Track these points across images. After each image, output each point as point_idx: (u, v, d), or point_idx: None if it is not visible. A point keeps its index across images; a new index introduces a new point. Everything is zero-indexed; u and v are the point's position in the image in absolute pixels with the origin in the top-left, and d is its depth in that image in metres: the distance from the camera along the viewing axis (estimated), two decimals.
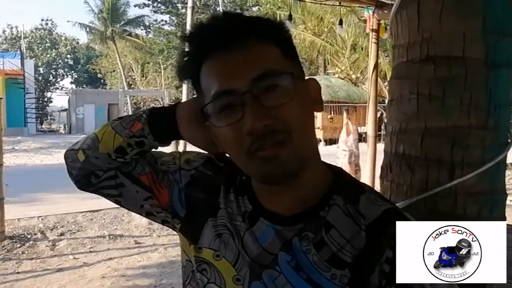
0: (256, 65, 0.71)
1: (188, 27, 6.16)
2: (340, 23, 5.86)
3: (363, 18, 16.75)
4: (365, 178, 6.02)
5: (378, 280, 0.70)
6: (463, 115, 1.30)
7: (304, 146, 0.73)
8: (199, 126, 0.81)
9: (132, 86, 38.11)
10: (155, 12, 40.22)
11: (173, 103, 0.91)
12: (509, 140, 1.37)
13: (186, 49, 0.79)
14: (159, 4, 39.37)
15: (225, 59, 0.73)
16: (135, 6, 41.09)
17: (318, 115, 21.61)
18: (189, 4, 5.62)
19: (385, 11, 4.55)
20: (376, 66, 5.06)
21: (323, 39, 22.72)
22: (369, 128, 5.48)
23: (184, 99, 6.50)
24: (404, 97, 1.37)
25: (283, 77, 0.72)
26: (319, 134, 21.74)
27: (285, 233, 0.76)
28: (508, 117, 1.38)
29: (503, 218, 1.44)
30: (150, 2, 39.01)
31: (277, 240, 0.76)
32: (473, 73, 1.28)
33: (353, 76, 23.47)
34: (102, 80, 45.33)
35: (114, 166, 0.89)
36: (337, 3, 4.72)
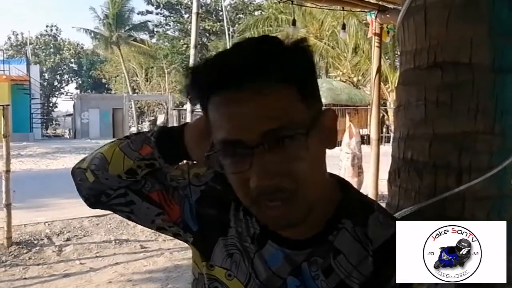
0: (270, 116, 0.65)
1: (192, 32, 6.18)
2: (343, 28, 5.88)
3: (364, 22, 16.77)
4: (368, 180, 6.03)
5: None
6: (470, 120, 1.30)
7: (311, 195, 0.70)
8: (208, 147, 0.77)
9: (136, 90, 38.35)
10: (157, 24, 40.47)
11: (181, 124, 0.88)
12: None
13: (192, 82, 0.73)
14: (163, 10, 39.59)
15: (235, 102, 0.66)
16: (138, 13, 41.34)
17: None
18: (194, 9, 5.65)
19: (388, 15, 4.57)
20: (379, 69, 5.07)
21: (324, 43, 22.77)
22: (372, 131, 5.49)
23: (188, 104, 6.51)
24: (411, 103, 1.38)
25: (298, 131, 0.66)
26: None
27: (294, 258, 0.76)
28: None
29: (510, 223, 1.44)
30: (153, 9, 39.27)
31: (286, 264, 0.76)
32: (480, 78, 1.28)
33: (355, 79, 23.50)
34: (106, 85, 45.56)
35: (124, 185, 0.89)
36: (340, 8, 4.74)
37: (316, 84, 0.74)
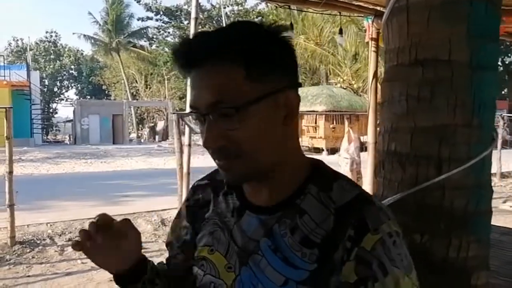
0: (211, 92, 0.77)
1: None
2: (340, 32, 5.96)
3: (364, 28, 16.90)
4: (366, 184, 6.07)
5: (340, 255, 0.76)
6: (449, 114, 1.39)
7: (259, 162, 0.80)
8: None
9: (136, 97, 38.44)
10: (157, 28, 40.67)
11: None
12: (494, 138, 1.47)
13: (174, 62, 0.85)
14: (163, 16, 39.80)
15: (195, 78, 0.80)
16: (138, 19, 41.65)
17: (321, 125, 21.70)
18: (192, 15, 5.70)
19: None
20: (375, 74, 5.14)
21: (324, 49, 22.90)
22: (369, 135, 5.55)
23: (188, 107, 6.57)
24: (394, 98, 1.46)
25: (238, 105, 0.76)
26: (321, 143, 21.82)
27: (267, 222, 0.85)
28: (492, 116, 1.47)
29: (489, 212, 1.52)
30: (153, 15, 39.47)
31: (260, 228, 0.85)
32: (458, 75, 1.37)
33: (355, 86, 23.58)
34: (106, 91, 45.63)
35: None
36: (337, 13, 4.83)
37: (274, 66, 0.80)
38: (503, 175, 12.18)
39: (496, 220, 7.07)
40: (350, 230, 0.77)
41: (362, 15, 4.85)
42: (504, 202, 4.95)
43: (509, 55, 30.51)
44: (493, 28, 1.40)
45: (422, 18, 1.37)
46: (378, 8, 4.26)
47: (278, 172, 0.84)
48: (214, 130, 0.79)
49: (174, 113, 8.86)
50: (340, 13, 4.55)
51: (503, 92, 30.44)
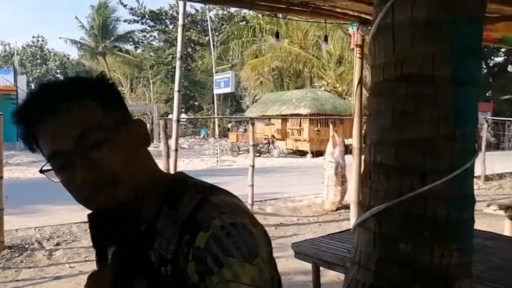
0: (75, 126, 0.83)
1: (179, 44, 6.27)
2: (326, 39, 6.04)
3: (348, 32, 17.06)
4: (351, 189, 6.14)
5: (184, 262, 0.81)
6: (433, 127, 1.45)
7: (133, 184, 0.86)
8: None
9: None
10: (143, 31, 40.64)
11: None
12: (475, 149, 1.53)
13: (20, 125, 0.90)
14: (148, 20, 39.76)
15: (49, 126, 0.84)
16: (124, 21, 41.63)
17: (305, 128, 21.82)
18: (180, 22, 5.75)
19: (369, 28, 4.73)
20: (361, 80, 5.23)
21: (308, 53, 23.05)
22: (354, 140, 5.63)
23: (175, 113, 6.58)
24: (380, 112, 1.52)
25: (100, 132, 0.84)
26: (305, 146, 21.93)
27: (139, 247, 0.90)
28: (474, 129, 1.53)
29: (471, 220, 1.58)
30: (139, 18, 39.40)
31: (132, 254, 0.92)
32: (441, 90, 1.43)
33: (339, 89, 23.75)
34: None
35: None
36: (322, 21, 4.90)
37: (120, 101, 0.93)
38: (487, 178, 12.28)
39: (481, 223, 7.22)
40: (186, 235, 0.82)
41: (347, 22, 4.92)
42: (488, 205, 5.06)
43: (493, 57, 31.07)
44: (475, 44, 1.46)
45: (407, 36, 1.42)
46: (363, 15, 4.35)
47: (145, 196, 0.90)
48: (87, 163, 0.83)
49: (161, 118, 8.86)
50: (325, 20, 4.62)
51: (487, 94, 30.94)
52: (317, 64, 23.61)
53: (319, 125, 21.19)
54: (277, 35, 5.27)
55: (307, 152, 21.68)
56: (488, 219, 6.55)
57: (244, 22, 30.76)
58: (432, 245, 1.50)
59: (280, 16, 5.30)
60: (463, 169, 1.46)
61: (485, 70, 31.62)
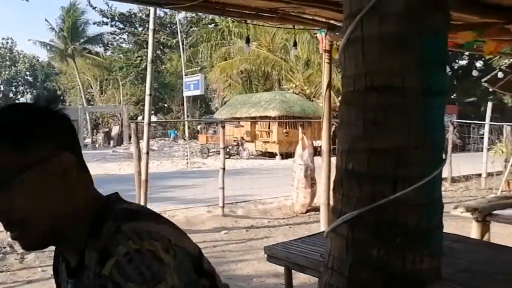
0: None
1: (150, 48, 6.23)
2: (295, 45, 6.11)
3: (315, 35, 17.25)
4: (320, 191, 6.21)
5: None
6: (403, 136, 1.49)
7: (46, 226, 0.86)
8: None
9: (91, 102, 37.96)
10: (112, 34, 40.22)
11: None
12: (443, 157, 1.58)
13: None
14: (118, 23, 39.36)
15: None
16: (94, 23, 41.06)
17: (274, 130, 21.97)
18: (151, 26, 5.71)
19: (337, 33, 4.82)
20: (329, 84, 5.31)
21: (276, 55, 23.21)
22: (323, 143, 5.71)
23: (146, 116, 6.51)
24: (352, 121, 1.55)
25: (4, 181, 0.82)
26: (275, 148, 22.06)
27: (76, 285, 0.92)
28: (442, 137, 1.59)
29: (440, 226, 1.63)
30: (109, 21, 38.99)
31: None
32: (410, 100, 1.47)
33: (307, 91, 24.01)
34: (61, 97, 44.85)
35: None
36: (291, 26, 4.96)
37: (40, 137, 0.87)
38: (454, 180, 12.52)
39: (448, 226, 7.39)
40: (98, 266, 0.82)
41: (316, 28, 4.99)
42: (455, 208, 5.17)
43: (457, 61, 31.96)
44: (441, 56, 1.51)
45: (376, 48, 1.46)
46: (331, 21, 4.43)
47: (72, 230, 0.89)
48: None
49: (132, 121, 8.75)
50: (294, 26, 4.67)
51: (452, 97, 31.79)
52: (285, 66, 23.81)
53: (288, 127, 21.37)
54: (247, 41, 5.29)
55: (276, 154, 21.83)
56: (455, 221, 6.73)
57: (213, 25, 30.70)
58: (404, 251, 1.54)
59: (250, 23, 5.32)
60: (432, 176, 1.50)
61: (450, 73, 32.51)
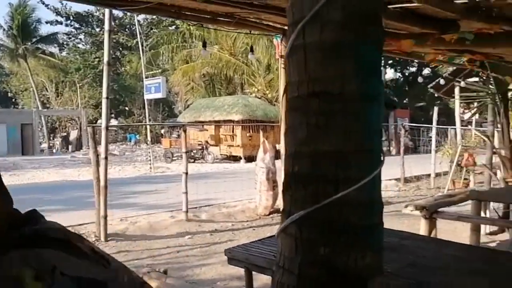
0: None
1: (105, 49, 6.14)
2: (251, 50, 6.19)
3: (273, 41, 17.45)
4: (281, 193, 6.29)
5: None
6: (344, 140, 1.58)
7: None
8: None
9: (47, 105, 36.56)
10: (68, 34, 39.06)
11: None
12: (381, 159, 1.68)
13: None
14: (73, 22, 38.25)
15: None
16: (47, 22, 39.82)
17: (238, 133, 22.06)
18: (106, 27, 5.64)
19: None
20: (286, 89, 5.40)
21: (238, 59, 23.30)
22: (282, 147, 5.81)
23: (103, 119, 6.42)
24: (296, 126, 1.63)
25: None
26: (239, 151, 22.14)
27: None
28: (380, 140, 1.69)
29: (381, 224, 1.73)
30: (63, 20, 37.83)
31: None
32: (350, 106, 1.56)
33: (269, 95, 24.18)
34: (13, 99, 42.98)
35: None
36: (248, 31, 5.03)
37: None
38: (406, 180, 13.07)
39: (400, 224, 7.60)
40: None
41: (272, 34, 5.09)
42: (406, 206, 5.39)
43: (408, 67, 32.91)
44: (377, 64, 1.61)
45: (317, 56, 1.55)
46: (286, 27, 4.51)
47: None
48: None
49: (89, 125, 8.60)
50: (250, 31, 4.75)
51: (404, 101, 32.73)
52: (247, 70, 23.91)
53: (251, 131, 21.47)
54: (204, 45, 5.31)
55: (241, 158, 21.89)
56: (407, 219, 6.97)
57: (173, 27, 30.49)
58: (348, 248, 1.63)
59: (207, 27, 5.36)
60: (371, 177, 1.60)
61: (402, 79, 33.51)
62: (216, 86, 26.92)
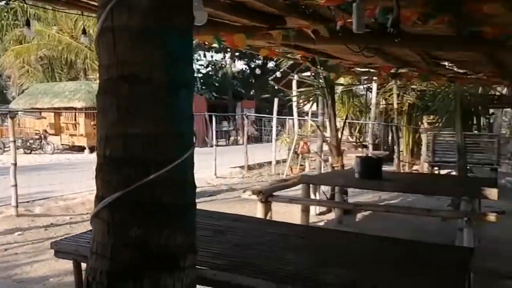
0: None
1: None
2: (84, 32, 5.91)
3: None
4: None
5: None
6: (154, 124, 1.62)
7: None
8: None
9: None
10: None
11: None
12: (193, 143, 1.76)
13: None
14: None
15: None
16: None
17: (81, 122, 20.87)
18: None
19: None
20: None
21: (80, 43, 21.96)
22: None
23: None
24: (107, 108, 1.63)
25: None
26: (82, 141, 20.98)
27: None
28: (191, 126, 1.76)
29: (194, 204, 1.82)
30: None
31: None
32: (159, 91, 1.61)
33: None
34: None
35: None
36: (79, 13, 4.77)
37: None
38: (250, 167, 13.95)
39: (242, 208, 8.09)
40: None
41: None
42: (244, 191, 5.81)
43: (255, 60, 34.45)
44: (187, 53, 1.68)
45: (125, 40, 1.56)
46: None
47: None
48: None
49: None
50: (82, 13, 4.52)
51: (251, 93, 34.21)
52: (90, 55, 22.66)
53: (96, 119, 20.48)
54: (27, 23, 4.85)
55: (85, 148, 20.81)
56: (248, 204, 7.39)
57: (3, 3, 27.44)
58: (160, 228, 1.68)
59: (30, 3, 4.94)
60: (181, 160, 1.67)
61: (248, 71, 35.02)
62: (56, 71, 24.99)
